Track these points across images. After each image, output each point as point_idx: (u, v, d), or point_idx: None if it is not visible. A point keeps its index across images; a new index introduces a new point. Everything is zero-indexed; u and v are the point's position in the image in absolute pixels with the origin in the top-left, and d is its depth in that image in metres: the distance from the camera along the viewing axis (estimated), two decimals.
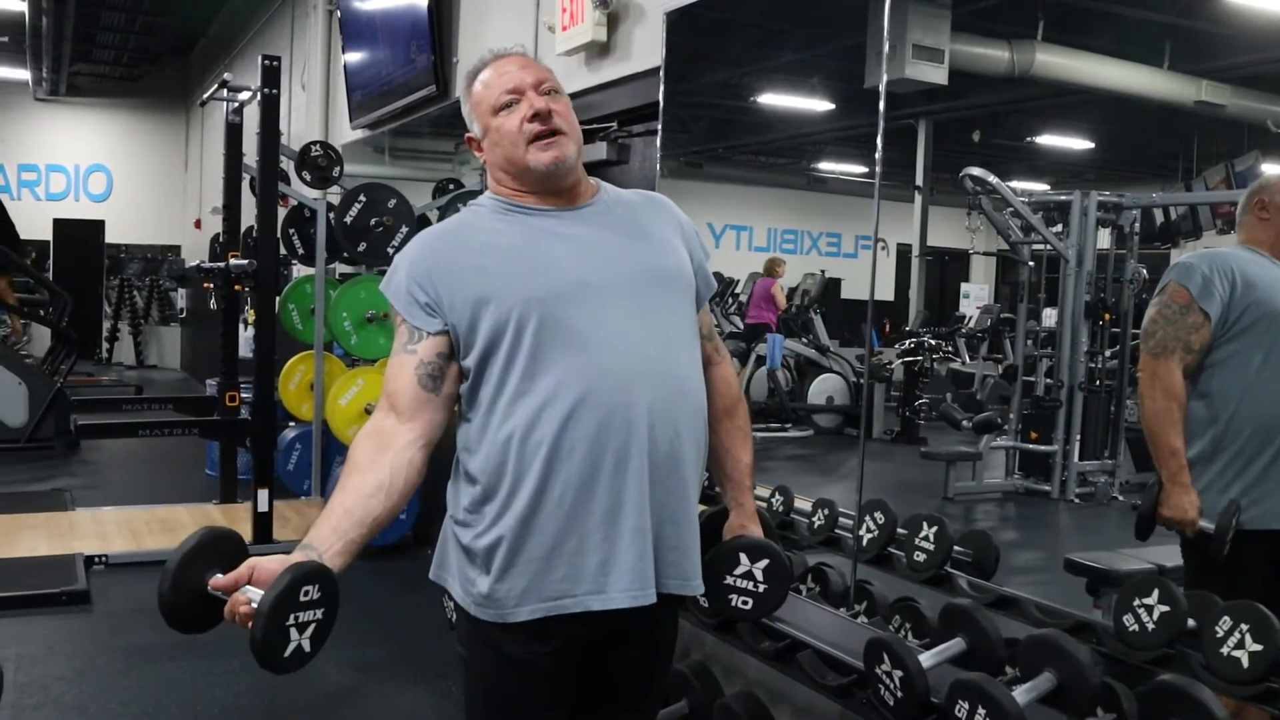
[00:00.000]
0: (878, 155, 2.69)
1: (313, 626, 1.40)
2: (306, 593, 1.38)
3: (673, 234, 1.73)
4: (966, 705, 1.80)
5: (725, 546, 1.78)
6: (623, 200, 1.74)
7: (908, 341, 6.15)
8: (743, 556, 1.76)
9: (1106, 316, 4.32)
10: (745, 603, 1.77)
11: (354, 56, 6.92)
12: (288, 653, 1.38)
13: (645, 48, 3.71)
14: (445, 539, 1.68)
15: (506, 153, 1.64)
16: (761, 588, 1.76)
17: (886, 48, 2.66)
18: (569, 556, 1.55)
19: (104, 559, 4.75)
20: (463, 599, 1.63)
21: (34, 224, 12.54)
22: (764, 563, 1.75)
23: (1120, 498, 4.14)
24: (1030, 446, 4.54)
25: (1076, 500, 4.29)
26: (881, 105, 2.66)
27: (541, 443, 1.54)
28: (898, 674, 1.97)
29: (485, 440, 1.59)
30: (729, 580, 1.76)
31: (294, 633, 1.38)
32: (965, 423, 4.87)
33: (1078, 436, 4.34)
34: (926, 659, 1.98)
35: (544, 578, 1.55)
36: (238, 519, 5.40)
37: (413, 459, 1.58)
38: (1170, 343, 2.17)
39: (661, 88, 3.45)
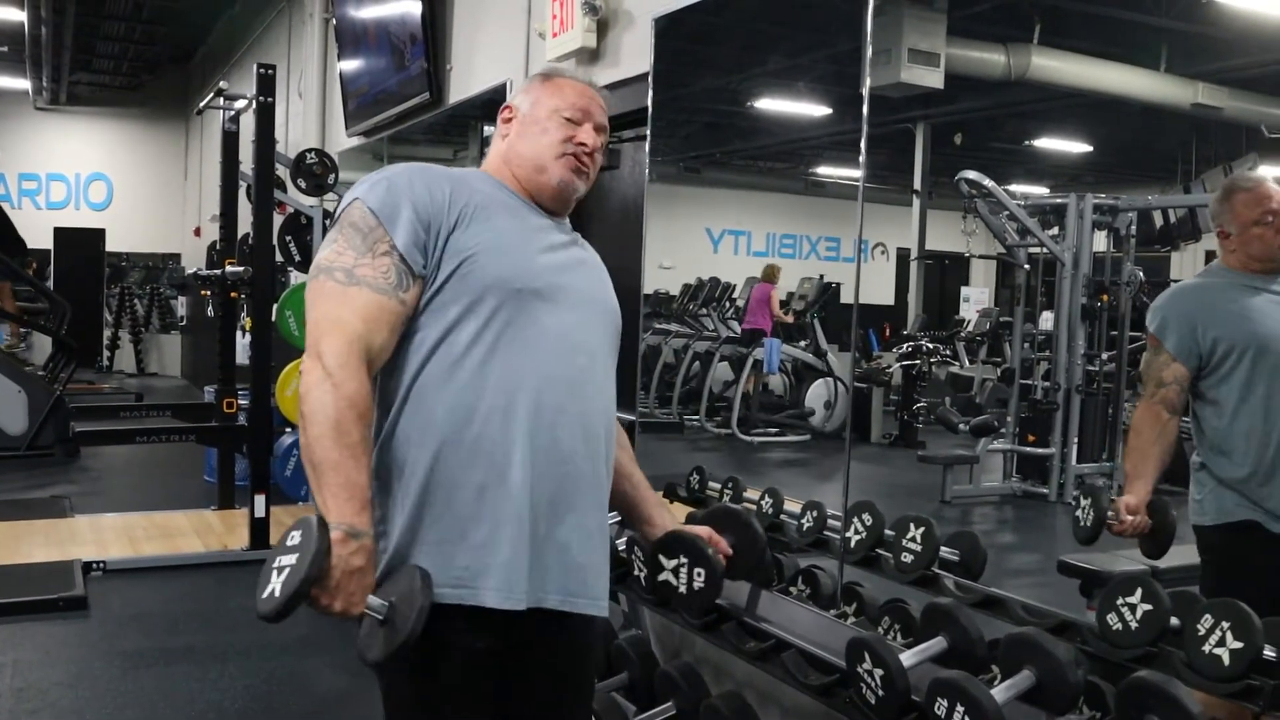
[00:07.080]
0: (862, 159, 2.70)
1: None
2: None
3: (611, 287, 1.82)
4: (945, 703, 1.80)
5: (683, 534, 1.90)
6: (582, 241, 1.83)
7: (906, 345, 6.16)
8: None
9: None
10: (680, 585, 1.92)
11: (349, 64, 6.96)
12: None
13: (634, 53, 3.73)
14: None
15: (536, 148, 1.71)
16: (697, 585, 1.90)
17: (870, 53, 2.68)
18: (475, 549, 1.53)
19: (102, 565, 4.77)
20: None
21: (35, 233, 12.56)
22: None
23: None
24: (1028, 449, 4.53)
25: (1074, 503, 4.27)
26: (865, 109, 2.67)
27: (478, 434, 1.53)
28: (879, 673, 1.97)
29: (421, 416, 1.55)
30: (669, 562, 1.92)
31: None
32: (962, 426, 4.86)
33: (1075, 439, 4.33)
34: (908, 658, 1.98)
35: (452, 560, 1.52)
36: (235, 525, 5.42)
37: None
38: (1150, 384, 2.33)
39: (650, 93, 3.46)
